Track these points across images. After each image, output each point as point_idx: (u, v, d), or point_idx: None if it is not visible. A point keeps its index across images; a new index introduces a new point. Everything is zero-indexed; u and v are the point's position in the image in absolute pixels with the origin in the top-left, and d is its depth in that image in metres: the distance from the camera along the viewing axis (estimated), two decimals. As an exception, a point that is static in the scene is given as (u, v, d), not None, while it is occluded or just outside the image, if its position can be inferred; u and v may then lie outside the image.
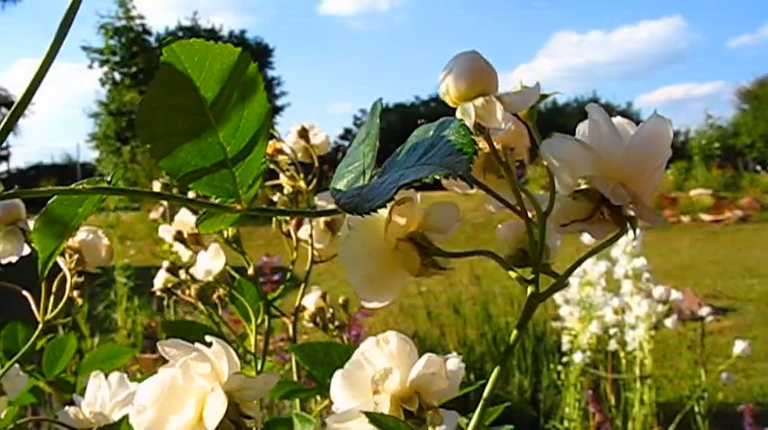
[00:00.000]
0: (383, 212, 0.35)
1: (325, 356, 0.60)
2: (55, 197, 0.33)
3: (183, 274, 0.77)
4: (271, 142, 0.86)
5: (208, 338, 0.31)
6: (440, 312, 4.57)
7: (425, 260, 0.35)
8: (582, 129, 0.34)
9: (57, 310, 0.54)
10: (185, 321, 0.75)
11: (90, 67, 22.68)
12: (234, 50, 0.29)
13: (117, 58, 22.19)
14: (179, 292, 0.77)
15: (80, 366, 0.93)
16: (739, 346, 2.79)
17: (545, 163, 0.34)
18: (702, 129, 17.56)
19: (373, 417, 0.33)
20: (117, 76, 22.41)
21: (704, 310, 4.85)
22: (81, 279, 0.57)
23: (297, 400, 0.74)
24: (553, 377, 3.39)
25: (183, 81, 0.29)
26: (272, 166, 0.86)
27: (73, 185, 0.30)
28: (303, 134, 0.83)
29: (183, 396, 0.30)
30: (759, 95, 23.44)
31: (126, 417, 0.46)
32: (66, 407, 0.53)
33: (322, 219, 0.81)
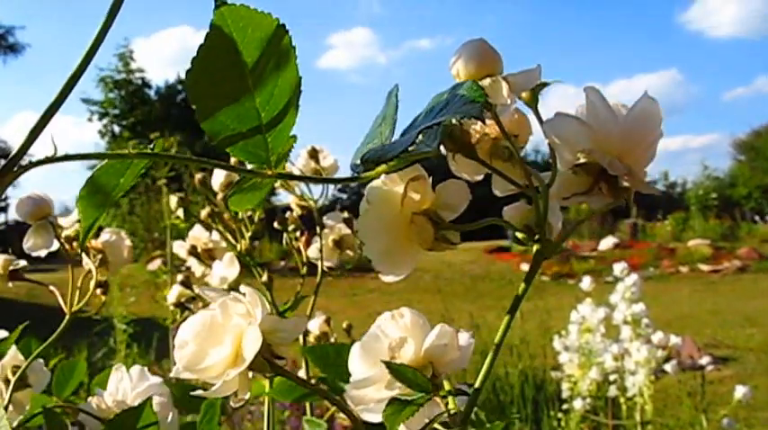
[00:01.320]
0: (399, 189, 0.39)
1: (336, 358, 0.61)
2: (101, 165, 0.36)
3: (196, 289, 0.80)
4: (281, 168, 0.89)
5: (242, 288, 0.34)
6: (439, 361, 4.55)
7: (438, 234, 0.38)
8: (580, 109, 0.38)
9: (82, 303, 0.57)
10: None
11: (89, 119, 22.79)
12: (273, 20, 0.32)
13: (116, 111, 22.31)
14: (192, 307, 0.80)
15: (90, 388, 0.94)
16: (740, 391, 2.79)
17: (547, 141, 0.37)
18: (699, 181, 17.71)
19: (392, 367, 0.36)
20: (116, 128, 22.50)
21: (704, 359, 4.85)
22: (104, 278, 0.60)
23: (307, 406, 0.76)
24: (553, 424, 3.37)
25: (229, 44, 0.32)
26: (281, 189, 0.89)
27: (119, 151, 0.33)
28: (313, 155, 0.86)
29: (221, 332, 0.33)
30: (755, 146, 23.66)
31: (148, 401, 0.49)
32: (89, 398, 0.55)
33: (331, 238, 0.84)
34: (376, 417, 0.39)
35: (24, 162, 0.33)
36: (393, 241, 0.39)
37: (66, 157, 0.32)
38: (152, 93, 22.54)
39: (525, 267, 10.15)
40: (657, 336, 3.19)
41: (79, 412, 0.54)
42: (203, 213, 0.78)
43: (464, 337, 0.42)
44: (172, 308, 0.81)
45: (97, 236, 0.62)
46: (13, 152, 0.31)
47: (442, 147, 0.38)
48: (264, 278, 0.75)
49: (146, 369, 0.55)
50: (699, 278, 10.05)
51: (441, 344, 0.40)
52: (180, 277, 0.78)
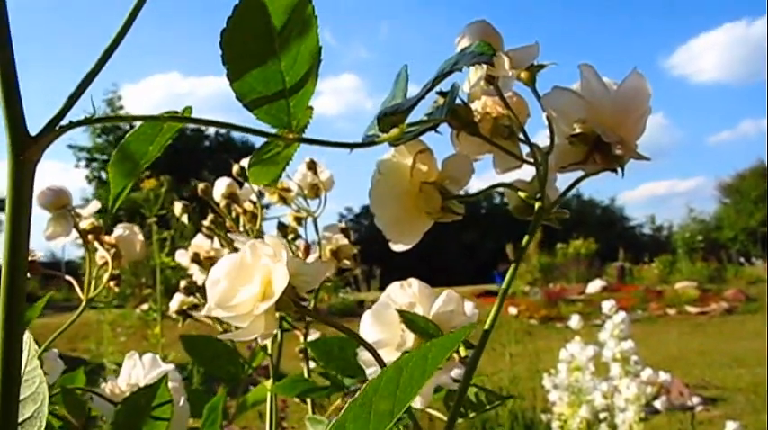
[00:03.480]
0: (408, 161, 0.41)
1: (339, 352, 0.63)
2: (132, 132, 0.38)
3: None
4: (279, 182, 0.92)
5: (266, 238, 0.36)
6: (427, 400, 4.54)
7: (444, 203, 0.41)
8: (575, 85, 0.41)
9: (98, 291, 0.59)
10: (203, 336, 0.78)
11: (76, 166, 22.79)
12: (298, -11, 0.35)
13: (104, 157, 22.30)
14: (194, 314, 0.82)
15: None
16: (731, 427, 2.80)
17: (545, 114, 0.41)
18: (685, 224, 17.84)
19: (406, 316, 0.38)
20: (103, 174, 22.46)
21: (694, 400, 4.85)
22: (117, 271, 0.62)
23: (309, 405, 0.78)
24: (544, 463, 3.36)
25: (260, 7, 0.34)
26: (279, 203, 0.92)
27: (152, 115, 0.36)
28: (312, 166, 0.89)
29: (251, 271, 0.35)
30: (740, 189, 23.90)
31: (163, 379, 0.51)
32: (103, 384, 0.56)
33: (328, 248, 0.87)
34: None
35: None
36: (402, 210, 0.41)
37: (105, 119, 0.34)
38: (140, 139, 22.51)
39: (513, 311, 10.16)
40: (646, 373, 3.21)
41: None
42: (206, 221, 0.80)
43: (469, 306, 0.45)
44: (174, 315, 0.83)
45: (111, 232, 0.65)
46: (56, 112, 0.34)
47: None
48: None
49: (157, 356, 0.57)
50: (686, 320, 10.07)
51: (447, 311, 0.43)
52: (182, 283, 0.80)
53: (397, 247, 0.42)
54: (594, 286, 11.89)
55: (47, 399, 0.35)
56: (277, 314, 0.35)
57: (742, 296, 10.91)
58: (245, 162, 0.84)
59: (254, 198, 0.86)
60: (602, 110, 0.39)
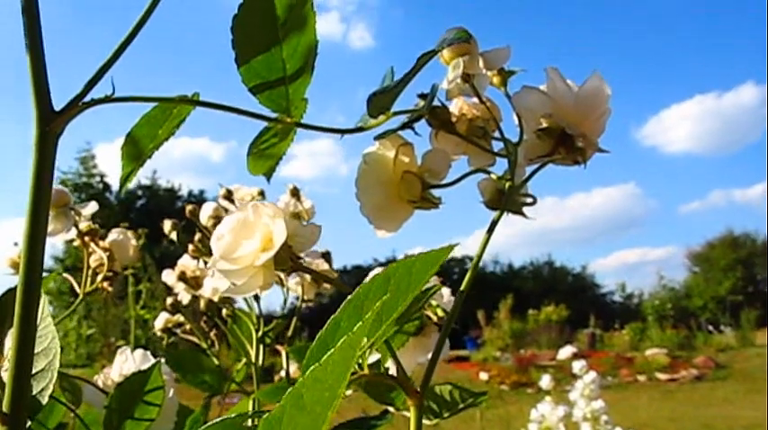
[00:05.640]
0: (391, 153, 0.46)
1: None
2: (142, 116, 0.42)
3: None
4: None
5: (265, 203, 0.40)
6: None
7: (424, 191, 0.45)
8: (543, 87, 0.46)
9: (93, 287, 0.62)
10: (187, 350, 0.81)
11: (48, 224, 22.50)
12: (299, -13, 0.40)
13: (76, 216, 22.08)
14: (179, 332, 0.84)
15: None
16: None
17: (515, 112, 0.45)
18: (656, 291, 17.97)
19: None
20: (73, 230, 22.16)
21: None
22: (111, 274, 0.65)
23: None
24: None
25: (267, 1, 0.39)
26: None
27: (166, 96, 0.40)
28: (295, 193, 0.93)
29: (252, 228, 0.39)
30: (710, 258, 24.16)
31: (156, 365, 0.54)
32: (95, 376, 0.59)
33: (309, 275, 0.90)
34: (372, 357, 0.45)
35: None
36: (385, 197, 0.45)
37: (122, 99, 0.38)
38: (112, 197, 22.44)
39: (484, 376, 10.13)
40: (617, 433, 3.22)
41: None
42: (194, 241, 0.83)
43: (446, 292, 0.49)
44: (159, 333, 0.85)
45: (105, 237, 0.68)
46: (79, 90, 0.38)
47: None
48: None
49: (148, 352, 0.60)
50: (657, 387, 10.10)
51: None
52: (168, 301, 0.83)
53: (380, 233, 0.46)
54: (565, 352, 11.89)
55: (58, 354, 0.38)
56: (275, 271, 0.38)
57: (711, 363, 10.99)
58: (230, 186, 0.88)
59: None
60: (566, 107, 0.44)
